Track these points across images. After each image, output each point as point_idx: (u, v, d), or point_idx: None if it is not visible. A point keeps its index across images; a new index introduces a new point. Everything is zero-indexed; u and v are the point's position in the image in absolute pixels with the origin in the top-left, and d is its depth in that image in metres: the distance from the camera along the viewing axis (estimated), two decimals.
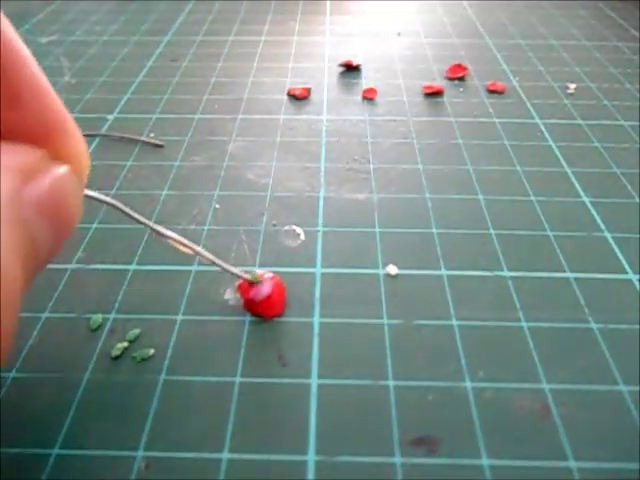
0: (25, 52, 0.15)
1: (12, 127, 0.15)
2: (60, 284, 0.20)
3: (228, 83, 0.34)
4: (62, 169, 0.16)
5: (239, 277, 0.19)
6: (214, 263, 0.18)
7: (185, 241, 0.18)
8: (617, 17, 0.44)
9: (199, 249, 0.18)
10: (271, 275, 0.19)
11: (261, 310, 0.19)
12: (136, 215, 0.18)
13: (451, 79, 0.34)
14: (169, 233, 0.18)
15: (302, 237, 0.19)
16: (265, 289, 0.19)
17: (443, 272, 0.20)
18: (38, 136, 0.15)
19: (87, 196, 0.18)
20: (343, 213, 0.24)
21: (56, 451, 0.15)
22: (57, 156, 0.16)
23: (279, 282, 0.19)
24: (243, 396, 0.16)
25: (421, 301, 0.19)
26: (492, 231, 0.22)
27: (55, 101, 0.16)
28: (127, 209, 0.18)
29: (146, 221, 0.18)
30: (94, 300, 0.20)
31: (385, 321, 0.19)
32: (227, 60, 0.37)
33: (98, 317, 0.18)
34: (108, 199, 0.18)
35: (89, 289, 0.20)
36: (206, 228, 0.23)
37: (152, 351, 0.18)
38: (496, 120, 0.30)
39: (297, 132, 0.29)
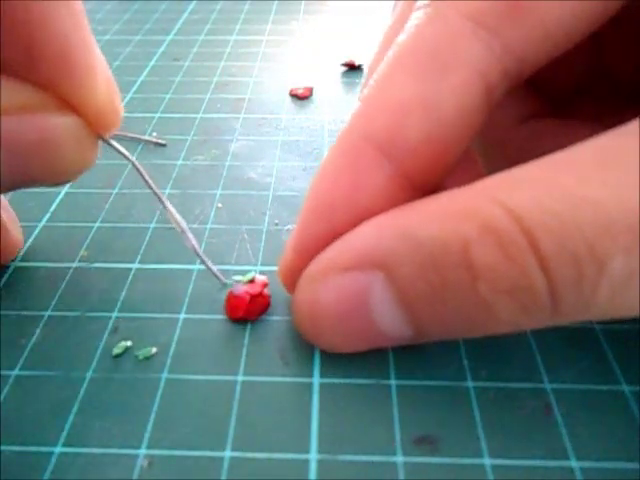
0: None
1: (31, 65, 0.15)
2: (63, 282, 0.20)
3: (230, 82, 0.34)
4: (55, 119, 0.16)
5: (215, 276, 0.19)
6: (197, 254, 0.18)
7: (181, 223, 0.18)
8: None
9: (190, 236, 0.18)
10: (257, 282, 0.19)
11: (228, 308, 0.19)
12: (148, 178, 0.19)
13: None
14: (169, 206, 0.19)
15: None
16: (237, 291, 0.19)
17: None
18: (54, 78, 0.16)
19: (109, 144, 0.19)
20: None
21: (58, 449, 0.15)
22: (71, 103, 0.16)
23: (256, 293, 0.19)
24: (245, 394, 0.16)
25: None
26: None
27: (83, 49, 0.16)
28: (142, 170, 0.19)
29: (155, 188, 0.19)
30: (96, 298, 0.20)
31: None
32: (229, 59, 0.37)
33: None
34: (127, 154, 0.19)
35: (92, 287, 0.20)
36: (208, 227, 0.23)
37: (154, 349, 0.18)
38: None
39: (299, 131, 0.29)
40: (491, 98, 0.16)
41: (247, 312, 0.18)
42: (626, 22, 0.18)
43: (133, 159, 0.19)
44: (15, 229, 0.21)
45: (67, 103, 0.16)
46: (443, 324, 0.15)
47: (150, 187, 0.19)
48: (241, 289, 0.19)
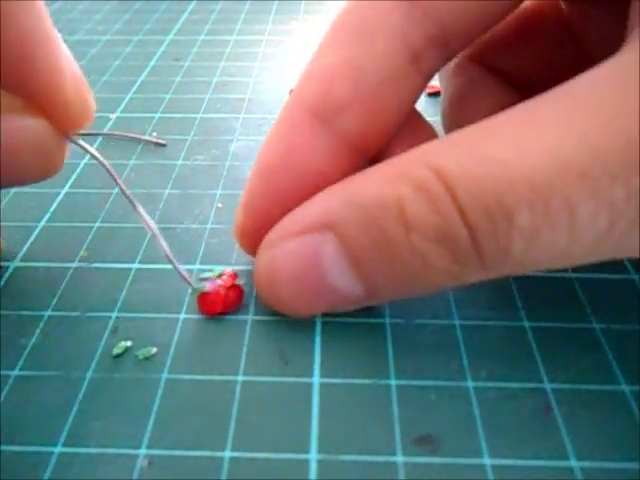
0: None
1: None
2: (62, 282, 0.20)
3: (230, 82, 0.34)
4: (17, 121, 0.16)
5: (185, 280, 0.19)
6: (167, 258, 0.18)
7: (152, 226, 0.18)
8: None
9: (160, 241, 0.18)
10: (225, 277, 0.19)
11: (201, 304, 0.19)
12: (118, 180, 0.18)
13: None
14: (140, 209, 0.18)
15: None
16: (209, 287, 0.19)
17: None
18: (17, 78, 0.16)
19: (76, 144, 0.18)
20: None
21: (58, 449, 0.15)
22: (37, 102, 0.16)
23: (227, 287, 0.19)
24: (245, 394, 0.16)
25: (422, 301, 0.19)
26: None
27: (46, 46, 0.16)
28: (110, 168, 0.18)
29: (127, 192, 0.18)
30: (96, 298, 0.20)
31: (387, 320, 0.19)
32: (229, 59, 0.37)
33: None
34: (94, 153, 0.18)
35: (91, 287, 0.20)
36: (208, 227, 0.23)
37: (154, 349, 0.18)
38: None
39: None
40: (421, 65, 0.17)
41: (225, 306, 0.19)
42: (599, 10, 0.18)
43: (101, 159, 0.18)
44: None
45: (32, 104, 0.16)
46: (388, 279, 0.16)
47: (121, 188, 0.18)
48: (214, 284, 0.19)
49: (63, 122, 0.17)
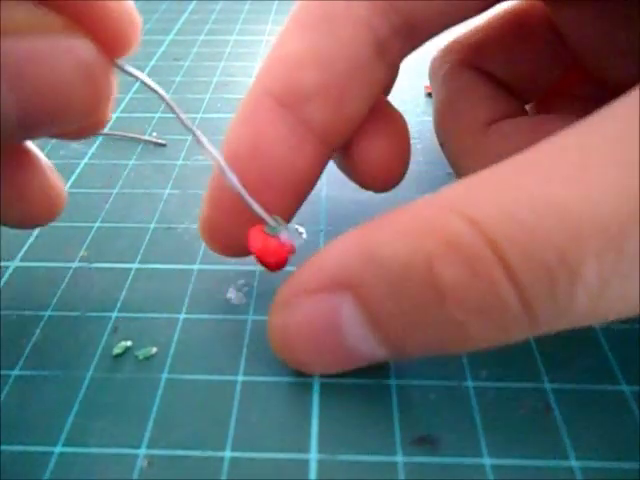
0: None
1: None
2: (63, 282, 0.20)
3: (231, 82, 0.34)
4: (60, 41, 0.13)
5: (261, 216, 0.17)
6: (240, 195, 0.16)
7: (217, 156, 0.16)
8: None
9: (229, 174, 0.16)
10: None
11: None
12: (177, 111, 0.18)
13: None
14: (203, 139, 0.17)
15: (305, 236, 0.18)
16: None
17: None
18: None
19: (123, 70, 0.17)
20: (346, 212, 0.24)
21: (58, 449, 0.15)
22: (84, 22, 0.14)
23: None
24: (245, 394, 0.16)
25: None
26: None
27: None
28: (164, 95, 0.18)
29: (186, 122, 0.18)
30: (97, 298, 0.20)
31: None
32: (230, 59, 0.37)
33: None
34: (144, 77, 0.17)
35: (92, 288, 0.20)
36: None
37: (155, 349, 0.18)
38: None
39: None
40: (387, 55, 0.17)
41: (278, 263, 0.17)
42: (594, 17, 0.18)
43: (154, 86, 0.17)
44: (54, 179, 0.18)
45: (73, 22, 0.14)
46: (417, 344, 0.14)
47: (179, 119, 0.18)
48: (283, 237, 0.17)
49: (109, 43, 0.15)
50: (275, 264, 0.17)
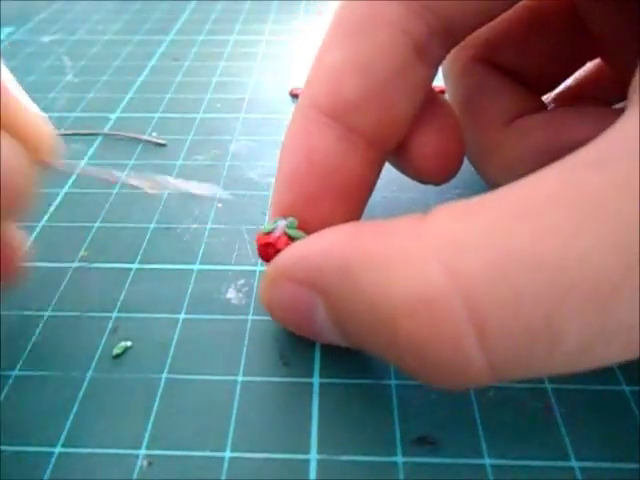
0: None
1: None
2: (62, 283, 0.20)
3: (230, 82, 0.34)
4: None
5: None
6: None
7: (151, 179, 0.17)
8: None
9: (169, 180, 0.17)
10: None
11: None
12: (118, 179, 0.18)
13: None
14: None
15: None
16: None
17: None
18: None
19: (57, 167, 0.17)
20: None
21: (58, 449, 0.15)
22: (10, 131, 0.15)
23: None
24: (245, 395, 0.16)
25: None
26: None
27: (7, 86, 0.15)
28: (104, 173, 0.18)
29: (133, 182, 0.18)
30: (96, 299, 0.20)
31: None
32: (229, 59, 0.37)
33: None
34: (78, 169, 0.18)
35: (91, 288, 0.20)
36: (208, 227, 0.23)
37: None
38: None
39: None
40: (425, 56, 0.17)
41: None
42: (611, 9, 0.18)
43: (91, 170, 0.18)
44: None
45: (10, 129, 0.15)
46: (378, 354, 0.15)
47: (127, 183, 0.18)
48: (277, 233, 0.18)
49: (33, 146, 0.16)
50: (265, 257, 0.18)
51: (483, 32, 0.22)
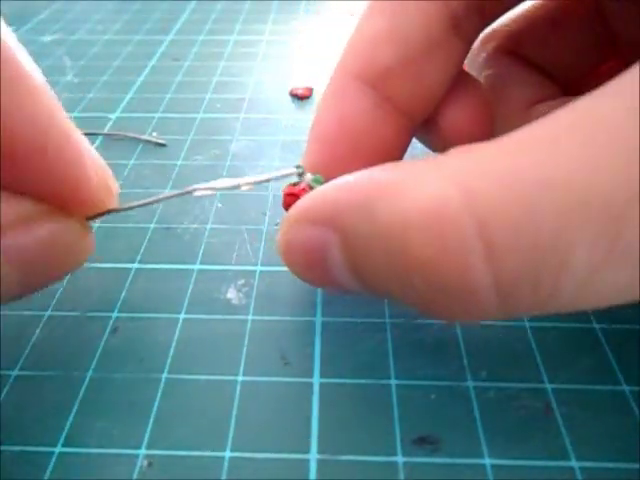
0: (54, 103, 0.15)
1: (16, 175, 0.15)
2: (63, 282, 0.20)
3: (230, 82, 0.34)
4: (57, 225, 0.16)
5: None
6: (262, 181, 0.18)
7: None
8: None
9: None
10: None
11: None
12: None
13: None
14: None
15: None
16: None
17: None
18: (49, 189, 0.15)
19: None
20: None
21: (58, 449, 0.15)
22: (68, 204, 0.16)
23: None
24: (245, 395, 0.16)
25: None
26: None
27: (66, 141, 0.15)
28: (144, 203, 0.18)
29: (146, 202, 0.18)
30: (96, 298, 0.20)
31: (387, 320, 0.19)
32: (229, 59, 0.37)
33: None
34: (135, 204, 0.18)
35: (92, 287, 0.20)
36: (208, 227, 0.23)
37: None
38: None
39: (300, 131, 0.29)
40: (461, 30, 0.17)
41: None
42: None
43: (139, 203, 0.18)
44: None
45: (56, 205, 0.16)
46: (388, 294, 0.15)
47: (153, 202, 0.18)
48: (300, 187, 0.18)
49: (87, 210, 0.17)
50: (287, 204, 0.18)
51: (508, 24, 0.22)
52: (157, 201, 0.18)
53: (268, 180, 0.18)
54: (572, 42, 0.21)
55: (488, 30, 0.23)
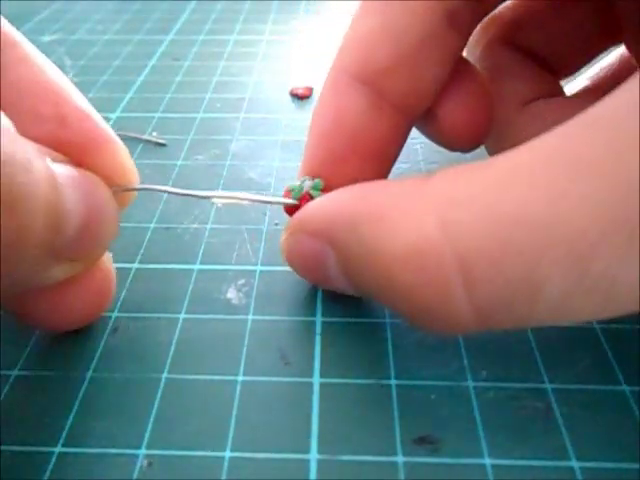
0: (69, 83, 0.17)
1: (58, 144, 0.16)
2: None
3: (230, 82, 0.34)
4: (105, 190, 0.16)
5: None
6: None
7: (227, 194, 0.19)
8: None
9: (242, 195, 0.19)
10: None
11: None
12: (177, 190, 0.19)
13: None
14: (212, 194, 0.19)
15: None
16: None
17: None
18: (81, 152, 0.16)
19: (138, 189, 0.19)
20: None
21: (58, 449, 0.15)
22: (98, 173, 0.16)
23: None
24: (245, 395, 0.16)
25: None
26: None
27: (98, 122, 0.17)
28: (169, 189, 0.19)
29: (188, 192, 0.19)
30: None
31: (387, 320, 0.19)
32: (229, 59, 0.37)
33: None
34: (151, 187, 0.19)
35: None
36: (208, 227, 0.23)
37: None
38: None
39: (300, 131, 0.29)
40: (457, 23, 0.17)
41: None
42: None
43: (161, 188, 0.19)
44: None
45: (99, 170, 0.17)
46: (381, 302, 0.16)
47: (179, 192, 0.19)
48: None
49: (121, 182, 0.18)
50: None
51: (507, 13, 0.22)
52: (185, 194, 0.20)
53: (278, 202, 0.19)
54: (572, 30, 0.21)
55: (486, 19, 0.22)
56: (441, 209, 0.13)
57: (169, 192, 0.19)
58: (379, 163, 0.19)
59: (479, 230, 0.12)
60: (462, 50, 0.19)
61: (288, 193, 0.19)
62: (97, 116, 0.17)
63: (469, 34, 0.18)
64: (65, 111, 0.16)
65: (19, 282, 0.14)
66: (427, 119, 0.19)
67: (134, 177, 0.18)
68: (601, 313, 0.12)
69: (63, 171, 0.14)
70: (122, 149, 0.18)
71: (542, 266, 0.12)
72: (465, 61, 0.20)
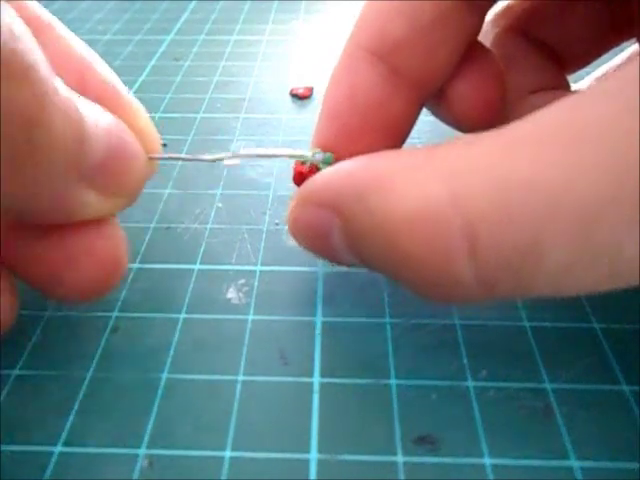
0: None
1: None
2: None
3: (231, 82, 0.34)
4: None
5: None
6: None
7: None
8: None
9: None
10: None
11: None
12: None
13: None
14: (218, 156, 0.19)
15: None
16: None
17: None
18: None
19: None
20: None
21: (58, 449, 0.15)
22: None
23: None
24: (245, 394, 0.16)
25: (422, 300, 0.19)
26: None
27: (120, 90, 0.18)
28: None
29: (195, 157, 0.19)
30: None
31: (387, 320, 0.19)
32: (230, 59, 0.37)
33: None
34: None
35: None
36: (209, 227, 0.23)
37: None
38: None
39: (300, 131, 0.29)
40: (473, 2, 0.17)
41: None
42: None
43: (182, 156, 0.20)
44: None
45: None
46: (384, 273, 0.16)
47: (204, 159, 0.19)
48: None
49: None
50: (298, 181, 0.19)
51: (521, 2, 0.22)
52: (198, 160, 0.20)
53: (288, 156, 0.19)
54: (584, 22, 0.21)
55: (500, 6, 0.23)
56: (449, 176, 0.13)
57: (182, 159, 0.21)
58: (391, 138, 0.19)
59: (486, 196, 0.12)
60: (477, 32, 0.19)
61: (299, 167, 0.19)
62: (120, 84, 0.18)
63: (484, 15, 0.19)
64: (87, 78, 0.17)
65: (53, 201, 0.14)
66: (439, 98, 0.19)
67: (156, 142, 0.18)
68: (603, 284, 0.12)
69: (86, 103, 0.15)
70: (143, 114, 0.18)
71: (547, 233, 0.12)
72: (480, 44, 0.20)
